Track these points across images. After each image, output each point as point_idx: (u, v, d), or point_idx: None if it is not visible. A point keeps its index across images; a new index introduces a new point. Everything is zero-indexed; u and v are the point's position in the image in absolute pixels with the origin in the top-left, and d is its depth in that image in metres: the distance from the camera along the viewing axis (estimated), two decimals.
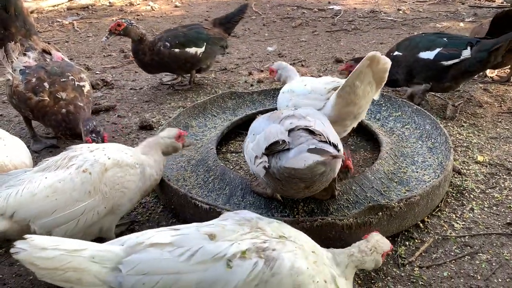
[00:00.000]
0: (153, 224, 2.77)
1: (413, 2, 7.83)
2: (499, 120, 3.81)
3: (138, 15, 7.86)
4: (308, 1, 8.31)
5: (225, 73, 5.17)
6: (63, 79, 3.34)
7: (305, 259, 1.75)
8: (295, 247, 1.77)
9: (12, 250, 1.60)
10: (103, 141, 2.85)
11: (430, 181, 2.80)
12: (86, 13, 8.22)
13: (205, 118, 3.76)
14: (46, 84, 3.28)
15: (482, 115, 3.89)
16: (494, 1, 7.50)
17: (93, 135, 2.89)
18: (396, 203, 2.47)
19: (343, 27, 6.70)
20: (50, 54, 3.61)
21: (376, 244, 2.03)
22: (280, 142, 2.12)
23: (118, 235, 2.64)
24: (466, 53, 3.62)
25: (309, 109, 2.52)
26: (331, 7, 7.78)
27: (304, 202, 2.60)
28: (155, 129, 3.90)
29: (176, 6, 8.31)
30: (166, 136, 2.66)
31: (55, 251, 1.61)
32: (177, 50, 4.41)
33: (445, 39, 3.77)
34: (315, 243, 1.94)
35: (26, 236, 1.65)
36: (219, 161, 3.03)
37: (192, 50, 4.45)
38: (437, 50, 3.72)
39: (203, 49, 4.48)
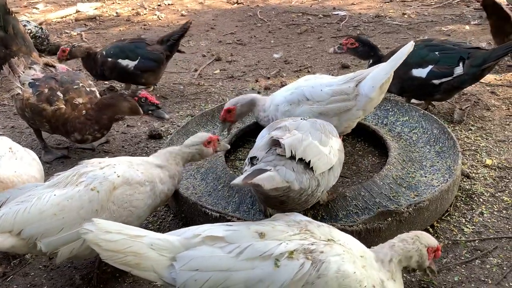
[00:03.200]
0: (163, 233, 2.80)
1: (418, 6, 7.84)
2: (507, 123, 3.81)
3: (145, 25, 7.94)
4: (313, 7, 8.35)
5: (232, 81, 5.21)
6: (75, 86, 3.43)
7: (352, 263, 1.76)
8: (343, 251, 1.78)
9: (80, 230, 1.70)
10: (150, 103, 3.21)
11: (439, 185, 2.80)
12: (93, 23, 8.31)
13: (213, 126, 3.79)
14: (59, 93, 3.37)
15: (490, 118, 3.89)
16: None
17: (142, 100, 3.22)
18: (405, 209, 2.48)
19: (349, 32, 6.72)
20: (53, 67, 3.69)
21: (418, 234, 2.01)
22: (257, 157, 2.28)
23: None
24: (459, 70, 3.59)
25: (307, 122, 2.52)
26: (336, 12, 7.81)
27: (314, 209, 2.62)
28: (164, 138, 3.94)
29: (182, 15, 8.38)
30: (191, 144, 2.61)
31: (118, 235, 1.69)
32: (110, 59, 4.60)
33: (437, 53, 3.67)
34: (365, 247, 1.93)
35: (93, 219, 1.75)
36: (228, 168, 3.06)
37: (124, 62, 4.57)
38: (429, 67, 3.66)
39: (135, 62, 4.56)
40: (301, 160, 2.22)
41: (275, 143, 2.31)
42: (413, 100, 4.07)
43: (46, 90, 3.37)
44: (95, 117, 3.35)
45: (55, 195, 2.15)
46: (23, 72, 3.51)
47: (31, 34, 5.24)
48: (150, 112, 3.27)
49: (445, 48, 3.72)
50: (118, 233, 1.70)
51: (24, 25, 5.39)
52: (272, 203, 2.38)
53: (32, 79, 3.46)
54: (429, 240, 2.01)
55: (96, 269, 2.53)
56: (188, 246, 1.72)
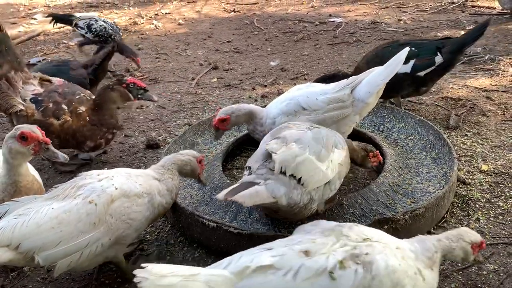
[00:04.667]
0: (161, 243, 2.81)
1: (414, 12, 7.89)
2: (503, 128, 3.83)
3: (142, 34, 7.98)
4: (310, 14, 8.40)
5: (229, 89, 5.24)
6: (77, 96, 3.47)
7: (394, 257, 1.83)
8: (382, 247, 1.85)
9: (135, 280, 1.63)
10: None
11: (435, 192, 2.82)
12: None
13: (210, 135, 3.81)
14: (64, 106, 3.39)
15: (486, 124, 3.91)
16: (495, 8, 7.54)
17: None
18: (402, 216, 2.49)
19: (345, 39, 6.76)
20: (49, 81, 3.62)
21: (462, 232, 2.06)
22: (251, 168, 2.33)
23: (128, 255, 2.69)
24: (439, 59, 3.79)
25: (310, 133, 2.51)
26: (332, 19, 7.86)
27: (310, 218, 2.62)
28: (161, 147, 3.95)
29: (179, 24, 8.42)
30: (186, 153, 2.66)
31: (174, 278, 1.66)
32: None
33: (413, 48, 3.79)
34: (396, 239, 1.99)
35: (143, 264, 1.68)
36: (225, 177, 3.07)
37: None
38: (411, 62, 3.78)
39: None
40: (293, 176, 2.23)
41: (270, 155, 2.32)
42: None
43: (51, 105, 3.36)
44: (97, 119, 3.43)
45: (53, 208, 2.15)
46: (22, 87, 3.45)
47: (106, 31, 5.37)
48: (139, 96, 3.41)
49: (418, 43, 3.92)
50: (173, 275, 1.67)
51: (100, 22, 5.54)
52: (267, 211, 2.41)
53: (33, 94, 3.42)
54: (473, 237, 2.06)
55: (94, 280, 2.54)
56: (241, 277, 1.73)
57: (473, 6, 7.85)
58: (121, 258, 2.43)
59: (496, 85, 4.66)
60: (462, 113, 4.05)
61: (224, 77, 5.65)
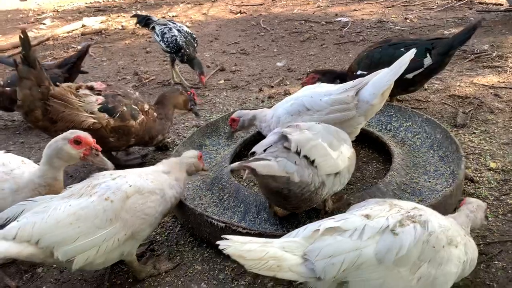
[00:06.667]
0: (171, 243, 2.85)
1: (420, 10, 7.87)
2: (511, 125, 3.81)
3: (150, 37, 8.05)
4: (316, 14, 8.42)
5: (236, 91, 5.27)
6: (135, 95, 3.59)
7: (444, 219, 2.05)
8: (431, 212, 2.03)
9: (220, 247, 1.75)
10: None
11: (443, 190, 2.82)
12: (99, 37, 8.44)
13: (218, 137, 3.84)
14: (134, 106, 3.48)
15: (494, 121, 3.90)
16: (502, 5, 7.49)
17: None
18: None
19: (351, 38, 6.76)
20: (92, 88, 3.46)
21: (479, 203, 2.35)
22: (256, 152, 2.41)
23: (139, 256, 2.73)
24: (428, 61, 3.78)
25: (320, 125, 2.59)
26: (338, 19, 7.86)
27: (318, 217, 2.65)
28: (170, 149, 3.99)
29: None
30: (190, 156, 2.82)
31: (252, 244, 1.79)
32: (8, 88, 4.59)
33: (402, 49, 3.79)
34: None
35: (224, 236, 1.80)
36: (233, 178, 3.11)
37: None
38: None
39: None
40: (306, 157, 2.27)
41: (284, 138, 2.38)
42: None
43: (125, 108, 3.40)
44: (164, 113, 3.71)
45: (70, 205, 2.21)
46: (83, 100, 3.30)
47: (176, 43, 5.22)
48: (191, 107, 3.92)
49: (408, 44, 3.88)
50: (251, 242, 1.81)
51: (177, 28, 5.32)
52: (276, 199, 2.41)
53: (100, 103, 3.32)
54: (482, 205, 2.36)
55: (106, 281, 2.58)
56: (310, 241, 1.87)
57: (480, 3, 7.81)
58: (134, 257, 2.48)
59: (504, 82, 4.64)
60: (470, 110, 4.04)
61: (231, 78, 5.69)
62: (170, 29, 5.33)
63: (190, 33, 5.45)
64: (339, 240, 1.84)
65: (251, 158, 2.26)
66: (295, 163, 2.24)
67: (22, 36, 3.05)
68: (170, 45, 5.26)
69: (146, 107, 3.58)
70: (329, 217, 2.02)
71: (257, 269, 1.76)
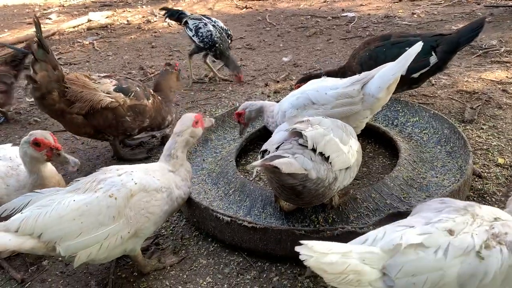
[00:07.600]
0: (176, 237, 2.84)
1: (428, 5, 7.80)
2: None
3: (155, 32, 8.05)
4: (322, 9, 8.37)
5: (241, 85, 5.25)
6: (139, 83, 3.76)
7: None
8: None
9: (301, 257, 1.66)
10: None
11: (450, 186, 2.80)
12: (105, 32, 8.44)
13: (223, 131, 3.83)
14: (144, 87, 3.71)
15: (502, 117, 3.86)
16: (511, 0, 7.41)
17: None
18: None
19: (358, 33, 6.72)
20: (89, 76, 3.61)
21: None
22: (268, 151, 2.36)
23: (144, 249, 2.73)
24: (433, 59, 3.69)
25: (328, 119, 2.57)
26: (345, 14, 7.81)
27: (324, 212, 2.64)
28: None
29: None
30: (180, 131, 2.59)
31: (334, 255, 1.69)
32: None
33: (407, 48, 3.57)
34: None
35: (303, 242, 1.69)
36: (239, 173, 3.09)
37: None
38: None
39: None
40: (320, 154, 2.25)
41: (296, 135, 2.34)
42: None
43: (138, 89, 3.60)
44: (165, 97, 3.87)
45: (74, 200, 2.20)
46: (99, 82, 3.47)
47: (211, 38, 5.07)
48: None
49: (411, 42, 3.70)
50: (332, 253, 1.70)
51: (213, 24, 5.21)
52: (288, 195, 2.37)
53: (114, 84, 3.50)
54: None
55: (111, 274, 2.58)
56: (392, 254, 1.77)
57: None
58: (139, 252, 2.46)
59: None
60: (478, 106, 4.00)
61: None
62: (206, 24, 5.19)
63: (225, 29, 5.30)
64: (422, 257, 1.73)
65: (269, 156, 2.20)
66: (311, 159, 2.21)
67: (36, 22, 3.19)
68: (205, 40, 5.11)
69: (152, 92, 3.77)
70: (408, 223, 1.89)
71: (336, 283, 1.69)
